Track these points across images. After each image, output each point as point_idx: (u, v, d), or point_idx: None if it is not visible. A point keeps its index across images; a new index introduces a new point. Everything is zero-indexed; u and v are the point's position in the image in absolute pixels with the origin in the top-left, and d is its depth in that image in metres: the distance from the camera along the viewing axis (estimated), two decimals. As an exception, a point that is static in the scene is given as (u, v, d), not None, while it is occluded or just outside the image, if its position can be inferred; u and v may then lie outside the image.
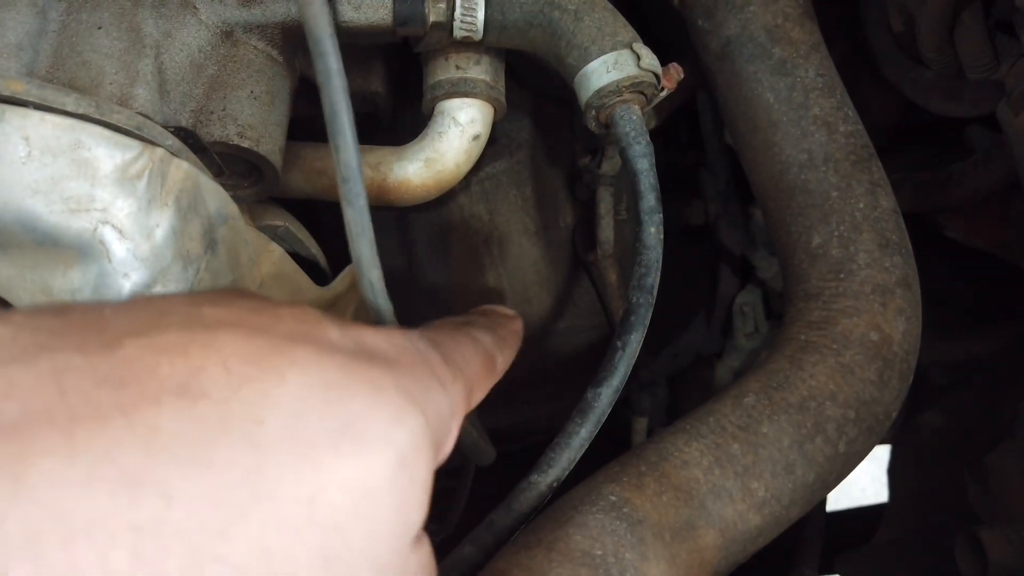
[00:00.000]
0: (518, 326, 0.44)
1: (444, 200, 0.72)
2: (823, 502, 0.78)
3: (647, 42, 0.54)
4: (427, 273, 0.77)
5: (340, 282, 0.60)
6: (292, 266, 0.56)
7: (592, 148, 0.78)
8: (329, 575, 0.24)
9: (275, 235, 0.57)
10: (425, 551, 0.29)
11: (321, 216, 0.67)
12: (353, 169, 0.37)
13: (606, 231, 0.76)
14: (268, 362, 0.25)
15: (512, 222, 0.80)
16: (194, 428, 0.23)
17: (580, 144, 0.78)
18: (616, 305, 0.80)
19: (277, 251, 0.55)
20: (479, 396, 0.35)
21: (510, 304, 0.74)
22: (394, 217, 0.76)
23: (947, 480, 0.87)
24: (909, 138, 0.78)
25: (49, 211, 0.40)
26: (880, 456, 0.89)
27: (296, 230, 0.60)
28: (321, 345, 0.27)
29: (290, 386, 0.25)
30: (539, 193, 0.81)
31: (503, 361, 0.39)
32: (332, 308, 0.60)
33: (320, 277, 0.62)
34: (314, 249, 0.63)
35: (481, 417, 0.65)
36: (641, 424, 0.92)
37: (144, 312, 0.26)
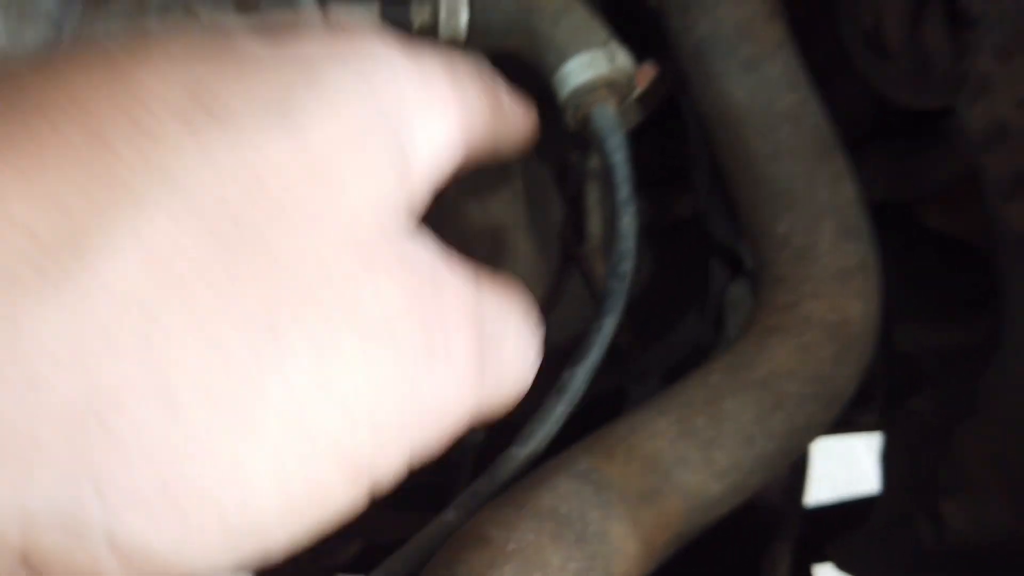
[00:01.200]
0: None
1: (436, 196, 0.75)
2: (800, 489, 0.81)
3: (634, 40, 0.58)
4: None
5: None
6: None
7: (580, 144, 0.81)
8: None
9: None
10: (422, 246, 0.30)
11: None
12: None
13: (594, 225, 0.80)
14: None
15: (503, 217, 0.83)
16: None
17: (568, 140, 0.82)
18: (605, 295, 0.83)
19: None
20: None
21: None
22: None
23: (938, 465, 0.90)
24: (889, 131, 0.81)
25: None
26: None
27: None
28: None
29: None
30: (529, 188, 0.84)
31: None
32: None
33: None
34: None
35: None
36: (633, 412, 0.95)
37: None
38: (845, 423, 1.01)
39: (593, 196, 0.79)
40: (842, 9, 0.70)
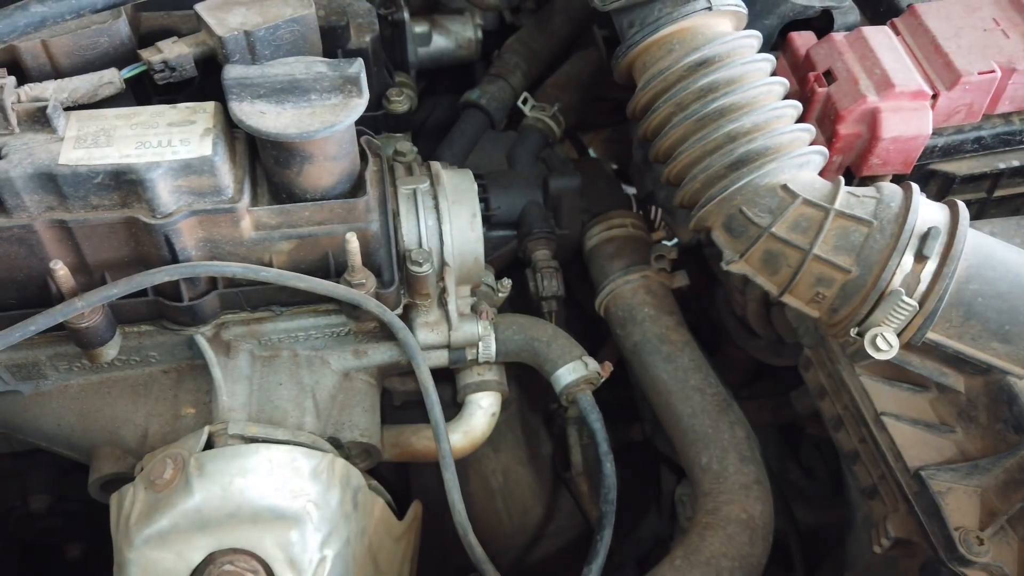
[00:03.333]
0: None
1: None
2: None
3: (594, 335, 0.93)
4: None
5: (410, 515, 0.93)
6: (387, 511, 0.89)
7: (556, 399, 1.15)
8: None
9: (376, 491, 0.91)
10: None
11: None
12: (446, 448, 0.72)
13: (576, 456, 1.12)
14: None
15: (510, 455, 1.15)
16: None
17: (551, 397, 1.16)
18: (589, 508, 1.13)
19: (381, 501, 0.88)
20: None
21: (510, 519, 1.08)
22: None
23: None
24: (767, 374, 1.18)
25: (282, 497, 0.74)
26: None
27: (381, 489, 0.94)
28: None
29: None
30: (526, 432, 1.17)
31: None
32: (407, 531, 0.92)
33: (394, 512, 0.95)
34: (388, 497, 0.96)
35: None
36: (618, 596, 1.23)
37: None
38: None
39: (573, 436, 1.11)
40: (722, 306, 1.09)
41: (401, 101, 0.95)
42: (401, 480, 1.09)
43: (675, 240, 1.10)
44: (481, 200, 1.06)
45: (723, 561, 0.80)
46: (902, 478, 0.72)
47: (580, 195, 1.08)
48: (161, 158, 0.67)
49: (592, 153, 1.49)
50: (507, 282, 1.00)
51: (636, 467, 1.30)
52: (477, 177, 1.08)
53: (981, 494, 0.70)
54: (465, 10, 1.25)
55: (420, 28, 1.20)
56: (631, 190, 1.28)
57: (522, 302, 1.09)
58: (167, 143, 0.68)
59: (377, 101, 0.96)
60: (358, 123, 0.88)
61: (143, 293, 0.74)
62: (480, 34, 1.24)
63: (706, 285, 1.15)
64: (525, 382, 1.17)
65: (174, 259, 0.71)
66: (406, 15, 1.06)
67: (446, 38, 1.22)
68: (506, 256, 1.10)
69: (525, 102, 1.16)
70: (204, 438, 0.75)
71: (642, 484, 1.32)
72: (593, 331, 1.16)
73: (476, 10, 1.24)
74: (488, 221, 1.08)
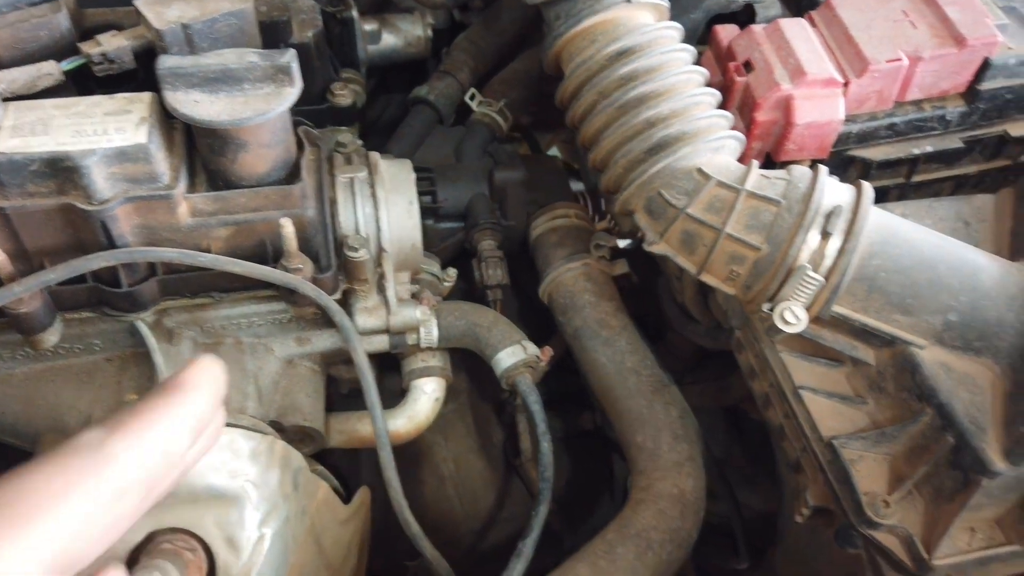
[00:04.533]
0: None
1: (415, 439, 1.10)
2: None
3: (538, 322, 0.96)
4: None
5: (357, 500, 0.95)
6: (332, 494, 0.91)
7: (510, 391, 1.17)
8: None
9: (321, 475, 0.93)
10: None
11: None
12: (381, 428, 0.75)
13: (525, 443, 1.14)
14: None
15: (460, 444, 1.17)
16: None
17: (501, 388, 1.18)
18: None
19: (324, 485, 0.90)
20: None
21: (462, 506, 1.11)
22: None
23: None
24: (711, 360, 1.21)
25: (220, 477, 0.75)
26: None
27: (326, 474, 0.96)
28: None
29: None
30: (477, 421, 1.19)
31: None
32: (353, 515, 0.94)
33: (341, 497, 0.97)
34: (335, 482, 0.98)
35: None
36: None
37: None
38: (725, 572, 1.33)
39: (523, 424, 1.13)
40: (663, 294, 1.12)
41: (345, 95, 0.98)
42: (354, 473, 1.11)
43: (629, 241, 1.14)
44: (428, 193, 1.09)
45: (653, 534, 0.83)
46: (818, 448, 0.75)
47: (525, 187, 1.11)
48: (97, 145, 0.69)
49: (557, 152, 1.52)
50: (452, 271, 1.03)
51: (589, 456, 1.32)
52: (425, 171, 1.10)
53: (890, 461, 0.73)
54: (415, 9, 1.28)
55: (370, 26, 1.23)
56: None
57: (469, 293, 1.12)
58: (103, 132, 0.70)
59: (322, 95, 0.98)
60: (302, 115, 0.91)
61: (82, 279, 0.76)
62: (430, 32, 1.26)
63: (652, 277, 1.18)
64: (476, 373, 1.19)
65: (111, 245, 0.73)
66: (355, 13, 1.09)
67: (396, 36, 1.24)
68: (453, 247, 1.12)
69: (473, 98, 1.19)
70: (145, 422, 0.77)
71: (595, 473, 1.35)
72: (545, 322, 1.19)
73: (426, 9, 1.27)
74: (436, 213, 1.10)
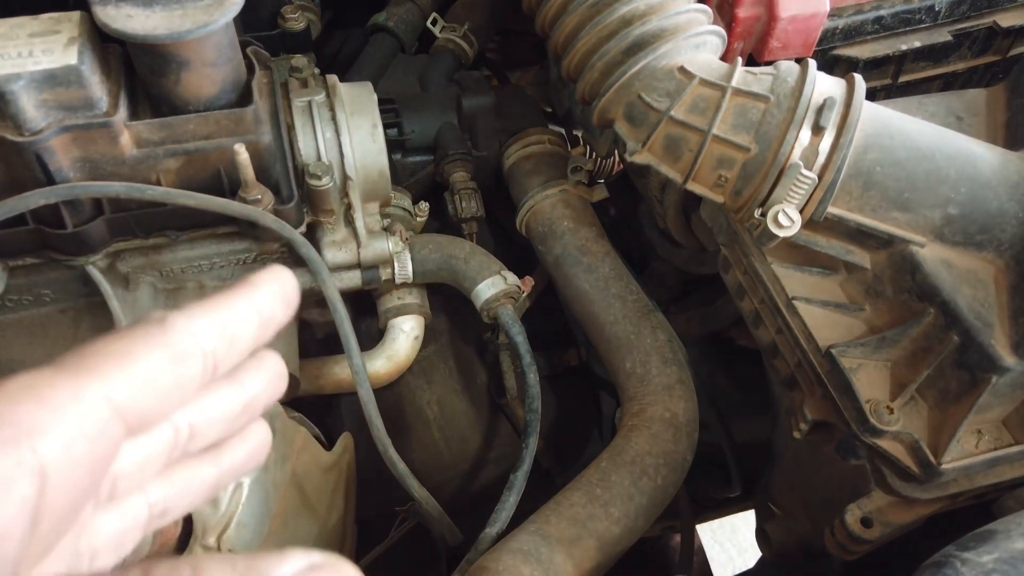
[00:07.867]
0: None
1: (394, 381, 1.06)
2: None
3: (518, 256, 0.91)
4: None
5: (339, 446, 0.91)
6: (313, 441, 0.87)
7: (490, 326, 1.13)
8: None
9: (300, 422, 0.88)
10: None
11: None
12: (358, 363, 0.70)
13: (510, 381, 1.11)
14: None
15: (444, 386, 1.13)
16: None
17: (483, 326, 1.14)
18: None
19: (303, 431, 0.86)
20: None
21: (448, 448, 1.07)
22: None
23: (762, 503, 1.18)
24: (697, 287, 1.18)
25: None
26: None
27: (305, 420, 0.92)
28: None
29: None
30: (460, 363, 1.15)
31: None
32: (336, 462, 0.90)
33: (323, 445, 0.93)
34: (315, 429, 0.94)
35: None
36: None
37: None
38: (720, 503, 1.31)
39: (506, 362, 1.10)
40: (645, 220, 1.08)
41: (297, 19, 0.91)
42: (338, 427, 1.07)
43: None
44: (394, 125, 1.04)
45: (648, 459, 0.80)
46: (815, 359, 0.72)
47: (495, 114, 1.06)
48: (22, 69, 0.63)
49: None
50: (424, 205, 0.98)
51: (575, 394, 1.30)
52: (388, 102, 1.05)
53: (891, 367, 0.70)
54: (370, -67, 1.20)
55: (322, -49, 1.15)
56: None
57: (443, 227, 1.07)
58: (28, 54, 0.64)
59: (272, 20, 0.91)
60: (253, 37, 0.84)
61: (23, 221, 0.70)
62: (386, -44, 1.19)
63: (633, 207, 1.14)
64: (456, 316, 1.15)
65: (51, 182, 0.67)
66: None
67: (350, -39, 1.17)
68: (424, 181, 1.07)
69: (435, 23, 1.13)
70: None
71: (582, 411, 1.32)
72: (524, 257, 1.15)
73: (381, -67, 1.20)
74: (403, 147, 1.05)
